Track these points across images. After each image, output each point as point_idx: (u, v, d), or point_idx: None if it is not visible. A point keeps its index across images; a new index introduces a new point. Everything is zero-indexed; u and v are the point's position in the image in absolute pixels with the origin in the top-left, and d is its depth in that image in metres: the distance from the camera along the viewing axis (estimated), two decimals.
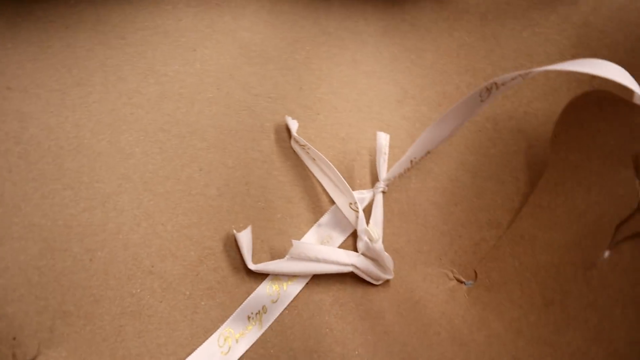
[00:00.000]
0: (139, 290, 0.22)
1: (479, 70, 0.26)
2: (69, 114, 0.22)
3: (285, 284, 0.23)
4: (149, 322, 0.22)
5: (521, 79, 0.19)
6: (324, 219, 0.24)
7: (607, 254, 0.19)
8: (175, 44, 0.25)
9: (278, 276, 0.23)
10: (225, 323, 0.22)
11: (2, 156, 0.21)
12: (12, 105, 0.21)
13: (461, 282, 0.23)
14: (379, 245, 0.22)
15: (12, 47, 0.22)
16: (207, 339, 0.22)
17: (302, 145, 0.24)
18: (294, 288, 0.22)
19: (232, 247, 0.23)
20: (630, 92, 0.17)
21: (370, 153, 0.25)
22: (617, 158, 0.19)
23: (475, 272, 0.23)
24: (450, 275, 0.24)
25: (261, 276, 0.23)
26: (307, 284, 0.22)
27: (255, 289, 0.22)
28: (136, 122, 0.23)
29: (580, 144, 0.21)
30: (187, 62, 0.24)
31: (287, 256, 0.22)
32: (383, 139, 0.24)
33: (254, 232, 0.23)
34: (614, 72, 0.17)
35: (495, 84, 0.20)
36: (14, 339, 0.20)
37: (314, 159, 0.24)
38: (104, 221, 0.22)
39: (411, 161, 0.23)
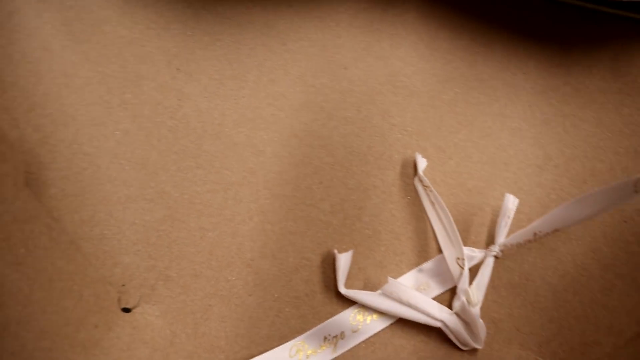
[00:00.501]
0: (234, 278, 0.24)
1: None
2: (220, 102, 0.25)
3: (369, 317, 0.23)
4: (235, 310, 0.23)
5: None
6: (427, 265, 0.24)
7: None
8: (329, 59, 0.26)
9: (365, 307, 0.23)
10: (302, 336, 0.23)
11: (157, 126, 0.24)
12: (176, 84, 0.25)
13: None
14: (476, 309, 0.21)
15: (191, 35, 0.26)
16: (281, 344, 0.23)
17: (426, 186, 0.24)
18: (377, 324, 0.23)
19: (329, 265, 0.24)
20: None
21: (494, 212, 0.24)
22: None
23: None
24: None
25: (348, 302, 0.23)
26: (391, 324, 0.23)
27: (339, 313, 0.23)
28: (275, 123, 0.25)
29: None
30: (336, 78, 0.26)
31: (379, 290, 0.23)
32: (511, 203, 0.23)
33: (353, 257, 0.24)
34: None
35: None
36: (123, 285, 0.23)
37: (433, 203, 0.24)
38: (222, 206, 0.24)
39: (535, 234, 0.22)
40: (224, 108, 0.25)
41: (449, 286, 0.23)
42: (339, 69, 0.26)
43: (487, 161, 0.25)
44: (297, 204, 0.24)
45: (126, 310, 0.23)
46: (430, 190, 0.24)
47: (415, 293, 0.22)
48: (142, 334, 0.23)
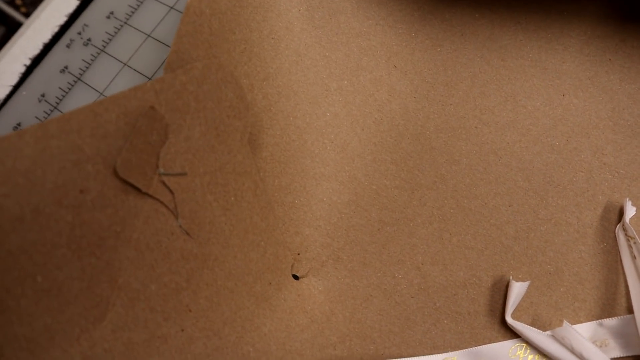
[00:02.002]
0: (400, 277, 0.25)
1: None
2: (427, 104, 0.27)
3: (531, 356, 0.23)
4: (393, 307, 0.25)
5: None
6: (610, 322, 0.23)
7: None
8: (547, 83, 0.27)
9: (528, 344, 0.23)
10: (455, 352, 0.24)
11: (363, 116, 0.27)
12: (390, 80, 0.27)
13: None
14: None
15: (415, 36, 0.28)
16: (432, 354, 0.24)
17: (630, 237, 0.23)
18: None
19: (499, 290, 0.24)
20: None
21: None
22: None
23: None
24: None
25: (511, 333, 0.23)
26: None
27: (499, 341, 0.23)
28: (476, 136, 0.26)
29: None
30: (551, 103, 0.26)
31: (549, 332, 0.23)
32: None
33: (527, 290, 0.24)
34: None
35: None
36: (298, 254, 0.26)
37: (635, 257, 0.23)
38: (405, 204, 0.26)
39: None
40: (430, 112, 0.27)
41: (634, 352, 0.22)
42: (556, 95, 0.26)
43: None
44: (481, 221, 0.25)
45: (295, 277, 0.26)
46: (635, 242, 0.23)
47: (591, 346, 0.22)
48: (304, 303, 0.26)
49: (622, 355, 0.22)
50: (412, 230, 0.25)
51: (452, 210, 0.25)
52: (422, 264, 0.25)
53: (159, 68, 0.34)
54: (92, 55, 0.35)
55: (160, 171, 0.20)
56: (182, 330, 0.22)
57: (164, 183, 0.20)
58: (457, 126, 0.26)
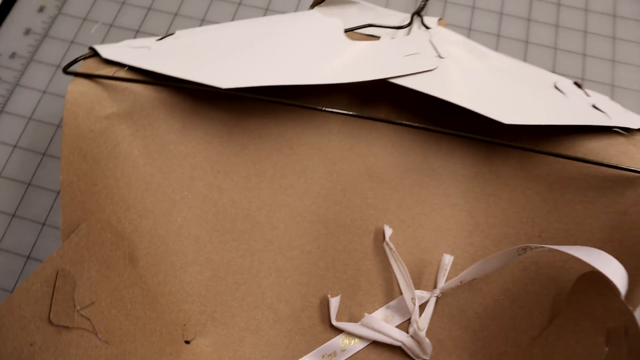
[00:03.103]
0: (259, 317, 0.38)
1: (537, 224, 0.38)
2: (247, 193, 0.39)
3: (353, 340, 0.37)
4: (260, 340, 0.37)
5: (545, 249, 0.32)
6: (392, 303, 0.38)
7: None
8: (323, 158, 0.41)
9: (350, 334, 0.37)
10: (308, 355, 0.37)
11: (204, 213, 0.38)
12: (217, 182, 0.39)
13: None
14: (422, 333, 0.35)
15: (227, 146, 0.39)
16: None
17: (391, 249, 0.38)
18: (358, 345, 0.37)
19: (325, 306, 0.38)
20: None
21: (439, 266, 0.39)
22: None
23: None
24: None
25: (338, 331, 0.37)
26: (367, 345, 0.37)
27: (332, 338, 0.37)
28: (286, 206, 0.39)
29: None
30: (328, 172, 0.40)
31: (360, 322, 0.37)
32: (447, 260, 0.37)
33: (341, 300, 0.38)
34: (610, 268, 0.29)
35: (529, 247, 0.32)
36: (184, 325, 0.37)
37: (396, 260, 0.38)
38: (250, 266, 0.38)
39: (461, 281, 0.36)
40: (250, 197, 0.39)
41: (407, 317, 0.37)
42: (331, 165, 0.40)
43: (434, 228, 0.39)
44: (302, 264, 0.38)
45: (187, 342, 0.37)
46: (394, 252, 0.38)
47: (383, 323, 0.36)
48: (198, 358, 0.37)
49: (402, 322, 0.37)
50: (258, 283, 0.38)
51: (282, 262, 0.38)
52: (272, 303, 0.38)
53: (33, 175, 0.41)
54: None
55: (77, 308, 0.30)
56: None
57: (82, 315, 0.30)
58: (271, 202, 0.39)
